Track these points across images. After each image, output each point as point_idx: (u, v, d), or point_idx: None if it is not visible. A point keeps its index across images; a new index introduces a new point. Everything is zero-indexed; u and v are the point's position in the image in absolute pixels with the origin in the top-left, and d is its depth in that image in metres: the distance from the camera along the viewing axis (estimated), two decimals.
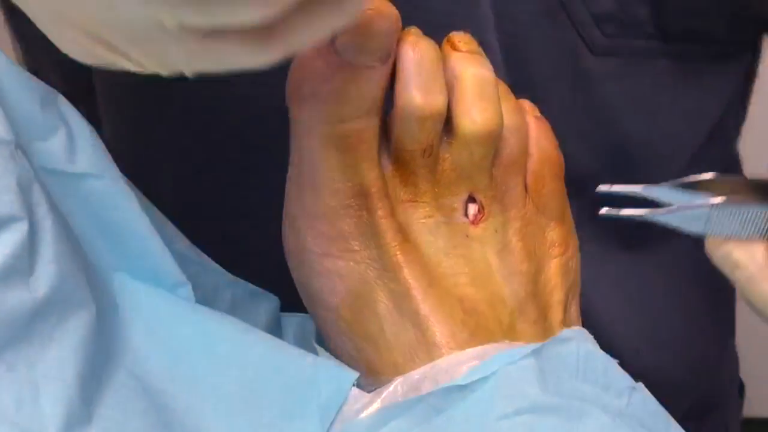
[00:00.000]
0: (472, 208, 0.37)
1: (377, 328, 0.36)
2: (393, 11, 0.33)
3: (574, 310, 0.39)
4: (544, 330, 0.37)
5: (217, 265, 0.39)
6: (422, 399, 0.33)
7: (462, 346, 0.35)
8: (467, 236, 0.36)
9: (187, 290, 0.35)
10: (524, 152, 0.38)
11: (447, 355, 0.35)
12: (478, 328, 0.35)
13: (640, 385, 0.35)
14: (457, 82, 0.36)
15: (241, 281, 0.39)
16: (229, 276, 0.39)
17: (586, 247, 0.41)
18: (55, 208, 0.32)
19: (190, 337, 0.33)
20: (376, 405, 0.34)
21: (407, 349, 0.35)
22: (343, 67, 0.33)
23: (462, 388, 0.33)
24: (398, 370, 0.35)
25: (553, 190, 0.39)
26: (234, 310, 0.36)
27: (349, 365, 0.37)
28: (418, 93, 0.34)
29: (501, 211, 0.38)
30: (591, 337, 0.37)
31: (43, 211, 0.31)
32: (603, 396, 0.34)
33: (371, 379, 0.36)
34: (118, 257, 0.34)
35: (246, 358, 0.34)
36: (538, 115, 0.39)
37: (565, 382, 0.34)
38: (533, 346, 0.34)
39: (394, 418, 0.33)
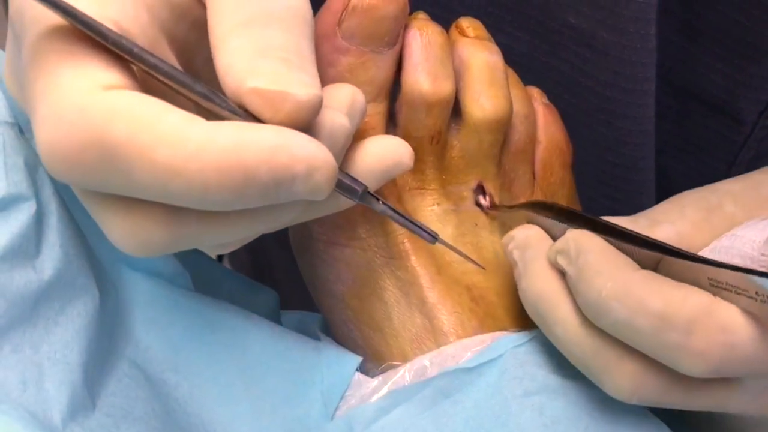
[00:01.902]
0: (484, 198, 0.37)
1: (384, 316, 0.36)
2: None
3: None
4: None
5: (214, 259, 0.39)
6: (430, 383, 0.34)
7: (470, 335, 0.35)
8: (476, 225, 0.37)
9: (186, 279, 0.35)
10: (533, 140, 0.38)
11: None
12: (486, 317, 0.36)
13: None
14: (466, 68, 0.36)
15: (239, 275, 0.39)
16: (227, 270, 0.39)
17: None
18: (57, 192, 0.32)
19: (190, 325, 0.34)
20: (384, 390, 0.34)
21: (415, 337, 0.36)
22: (350, 52, 0.34)
23: (469, 371, 0.33)
24: (406, 359, 0.36)
25: (561, 178, 0.39)
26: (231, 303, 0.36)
27: (356, 354, 0.37)
28: (425, 78, 0.35)
29: (509, 199, 0.38)
30: None
31: (48, 193, 0.32)
32: None
33: (374, 363, 0.37)
34: (115, 249, 0.34)
35: (247, 344, 0.34)
36: (547, 102, 0.39)
37: (571, 364, 0.33)
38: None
39: (403, 402, 0.34)
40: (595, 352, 0.30)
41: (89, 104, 0.24)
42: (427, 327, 0.36)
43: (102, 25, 0.25)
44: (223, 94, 0.26)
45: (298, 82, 0.25)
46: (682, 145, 0.47)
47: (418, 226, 0.31)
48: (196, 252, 0.38)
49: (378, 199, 0.30)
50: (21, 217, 0.30)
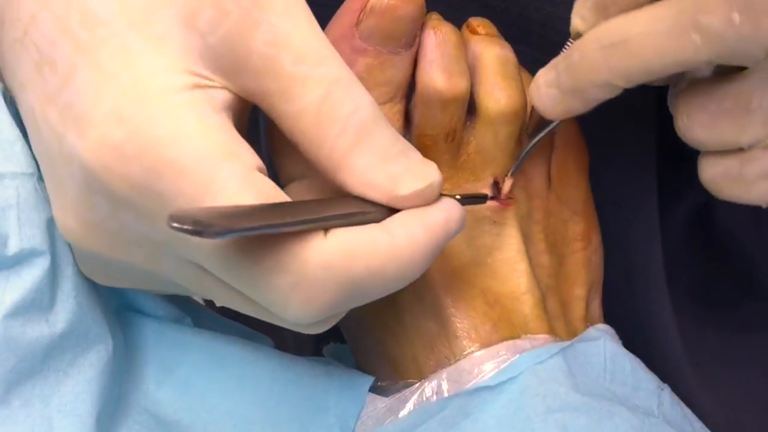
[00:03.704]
0: (507, 185, 0.37)
1: (396, 320, 0.37)
2: None
3: (596, 306, 0.40)
4: (565, 325, 0.38)
5: (208, 309, 0.40)
6: (449, 403, 0.34)
7: (483, 339, 0.36)
8: (494, 222, 0.37)
9: (188, 321, 0.36)
10: (548, 142, 0.39)
11: (468, 347, 0.36)
12: (500, 321, 0.36)
13: (667, 387, 0.36)
14: (479, 63, 0.36)
15: (234, 322, 0.39)
16: (223, 319, 0.40)
17: None
18: None
19: (198, 361, 0.34)
20: (403, 411, 0.34)
21: (427, 341, 0.36)
22: (367, 53, 0.34)
23: (490, 390, 0.34)
24: (418, 363, 0.36)
25: (577, 182, 0.39)
26: None
27: (369, 359, 0.38)
28: (440, 76, 0.35)
29: (525, 199, 0.38)
30: (615, 334, 0.37)
31: (63, 244, 0.32)
32: (632, 396, 0.34)
33: (388, 381, 0.37)
34: (120, 293, 0.35)
35: (257, 376, 0.34)
36: None
37: (593, 382, 0.34)
38: (560, 345, 0.35)
39: (422, 423, 0.34)
40: None
41: (329, 259, 0.28)
42: (440, 331, 0.36)
43: (266, 224, 0.27)
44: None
45: (427, 167, 0.31)
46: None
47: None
48: (191, 301, 0.39)
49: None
50: (35, 272, 0.30)
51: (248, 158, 0.28)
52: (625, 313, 0.45)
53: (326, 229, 0.28)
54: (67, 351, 0.31)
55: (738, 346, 0.51)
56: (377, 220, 0.29)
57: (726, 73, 0.32)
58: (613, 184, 0.44)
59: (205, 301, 0.45)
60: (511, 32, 0.40)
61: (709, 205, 0.49)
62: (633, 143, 0.43)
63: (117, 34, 0.28)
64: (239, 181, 0.27)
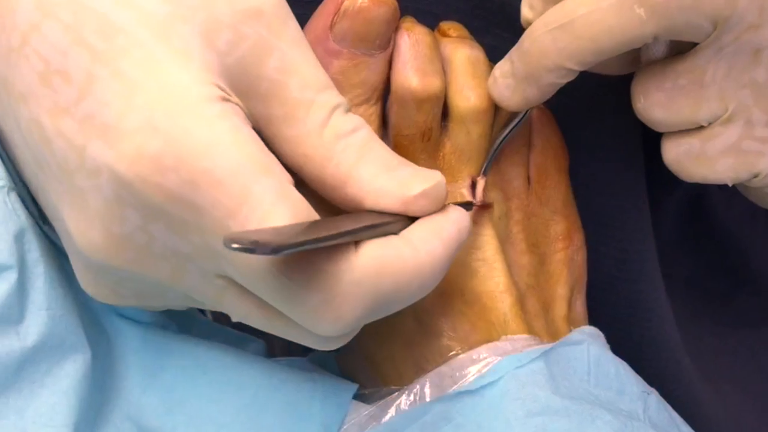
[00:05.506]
0: (480, 184, 0.37)
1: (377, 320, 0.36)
2: None
3: (580, 306, 0.40)
4: (546, 324, 0.38)
5: (200, 314, 0.40)
6: (430, 408, 0.34)
7: (462, 339, 0.36)
8: (474, 223, 0.37)
9: (174, 328, 0.36)
10: (527, 143, 0.39)
11: (446, 346, 0.36)
12: (479, 320, 0.36)
13: (654, 391, 0.36)
14: (450, 64, 0.37)
15: (225, 327, 0.39)
16: (213, 323, 0.40)
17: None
18: (49, 252, 0.33)
19: (182, 367, 0.34)
20: (385, 417, 0.35)
21: (405, 339, 0.37)
22: (342, 55, 0.35)
23: (471, 394, 0.34)
24: (395, 362, 0.37)
25: (557, 182, 0.39)
26: None
27: (350, 362, 0.39)
28: (414, 75, 0.36)
29: (503, 199, 0.38)
30: (602, 336, 0.37)
31: (34, 257, 0.32)
32: (617, 401, 0.34)
33: (372, 389, 0.37)
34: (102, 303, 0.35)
35: (241, 382, 0.35)
36: (542, 106, 0.40)
37: (575, 385, 0.34)
38: (541, 348, 0.35)
39: (403, 429, 0.34)
40: None
41: (361, 276, 0.28)
42: (418, 330, 0.36)
43: (312, 240, 0.27)
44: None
45: (430, 170, 0.32)
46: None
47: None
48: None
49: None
50: (2, 286, 0.30)
51: (280, 172, 0.29)
52: (621, 305, 0.45)
53: (356, 243, 0.29)
54: (42, 362, 0.31)
55: (734, 340, 0.51)
56: (396, 231, 0.31)
57: (680, 52, 0.33)
58: (602, 175, 0.44)
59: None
60: (495, 20, 0.41)
61: (703, 197, 0.49)
62: (618, 133, 0.43)
63: (139, 44, 0.28)
64: (275, 194, 0.28)
